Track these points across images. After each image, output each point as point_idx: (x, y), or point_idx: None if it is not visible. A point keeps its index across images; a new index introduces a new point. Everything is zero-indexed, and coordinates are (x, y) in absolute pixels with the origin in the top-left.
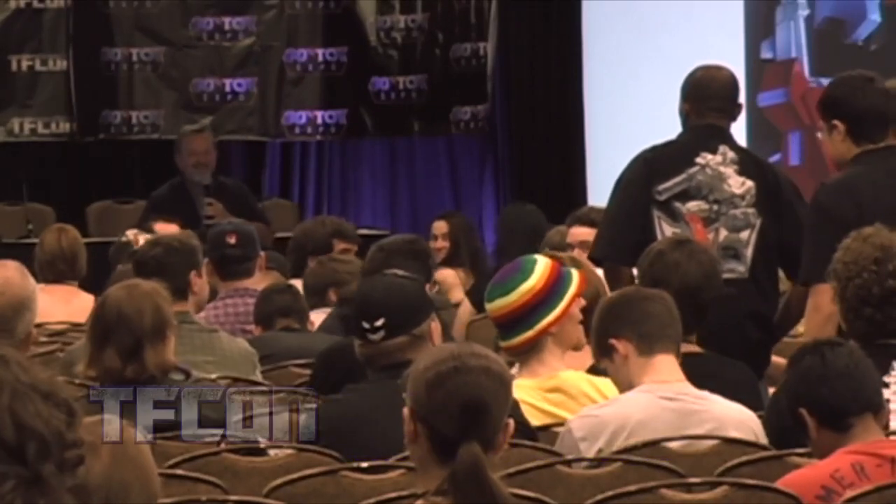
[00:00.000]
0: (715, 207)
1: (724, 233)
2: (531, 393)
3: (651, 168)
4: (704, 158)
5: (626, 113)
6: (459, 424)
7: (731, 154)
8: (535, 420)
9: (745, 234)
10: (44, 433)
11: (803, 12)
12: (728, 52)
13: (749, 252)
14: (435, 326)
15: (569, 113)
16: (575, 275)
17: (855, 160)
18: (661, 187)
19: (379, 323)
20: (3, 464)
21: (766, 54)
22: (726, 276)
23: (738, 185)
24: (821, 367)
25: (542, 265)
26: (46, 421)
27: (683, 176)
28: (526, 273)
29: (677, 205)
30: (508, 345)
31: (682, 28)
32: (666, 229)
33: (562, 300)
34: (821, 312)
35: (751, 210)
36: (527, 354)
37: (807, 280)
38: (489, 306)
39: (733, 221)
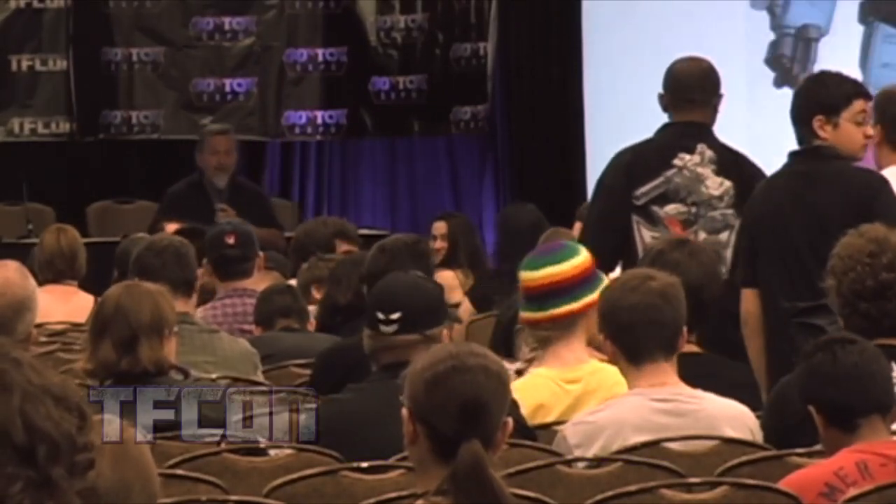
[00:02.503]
0: (693, 210)
1: (703, 235)
2: (548, 383)
3: (630, 174)
4: (682, 160)
5: (626, 112)
6: (459, 423)
7: (709, 153)
8: (555, 409)
9: (724, 236)
10: (54, 436)
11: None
12: (729, 52)
13: (728, 253)
14: (446, 335)
15: (569, 113)
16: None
17: (787, 160)
18: (639, 192)
19: (395, 316)
20: (12, 466)
21: (766, 54)
22: None
23: (717, 185)
24: (830, 366)
25: (586, 252)
26: (57, 424)
27: (661, 179)
28: (575, 250)
29: (655, 209)
30: (548, 315)
31: (682, 28)
32: (644, 234)
33: (600, 284)
34: (742, 313)
35: (729, 211)
36: (559, 332)
37: (738, 280)
38: (533, 274)
39: (712, 223)
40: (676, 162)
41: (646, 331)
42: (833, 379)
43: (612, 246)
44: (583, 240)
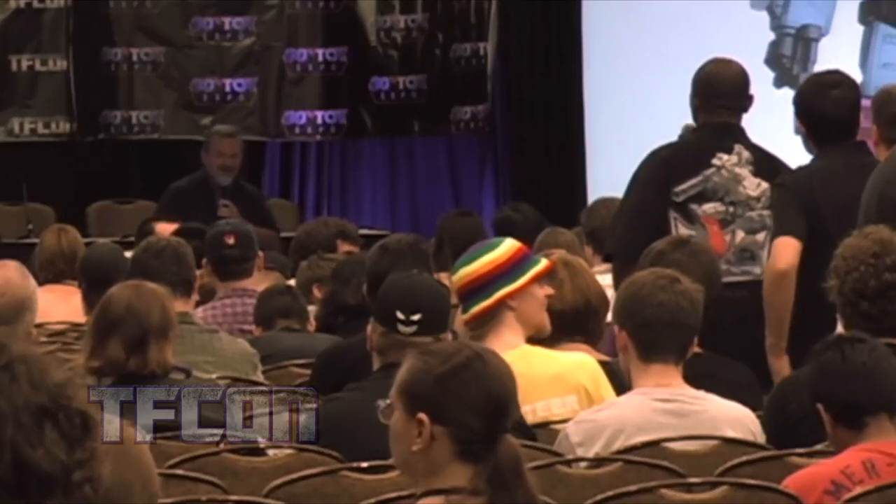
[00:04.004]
0: (731, 209)
1: (740, 235)
2: None
3: (669, 168)
4: (720, 159)
5: (626, 113)
6: (490, 419)
7: (746, 154)
8: None
9: (760, 236)
10: (46, 468)
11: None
12: (729, 52)
13: (764, 254)
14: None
15: (569, 113)
16: (542, 259)
17: (819, 154)
18: (678, 189)
19: (416, 317)
20: (2, 500)
21: (766, 54)
22: (742, 278)
23: (754, 186)
24: (839, 364)
25: (508, 243)
26: (49, 453)
27: (700, 177)
28: (492, 247)
29: (693, 206)
30: (468, 316)
31: (682, 28)
32: (682, 231)
33: (523, 275)
34: (777, 263)
35: (766, 212)
36: (484, 328)
37: (774, 235)
38: (454, 278)
39: (749, 223)
40: (715, 161)
41: (668, 330)
42: (842, 377)
43: (644, 237)
44: (616, 229)
